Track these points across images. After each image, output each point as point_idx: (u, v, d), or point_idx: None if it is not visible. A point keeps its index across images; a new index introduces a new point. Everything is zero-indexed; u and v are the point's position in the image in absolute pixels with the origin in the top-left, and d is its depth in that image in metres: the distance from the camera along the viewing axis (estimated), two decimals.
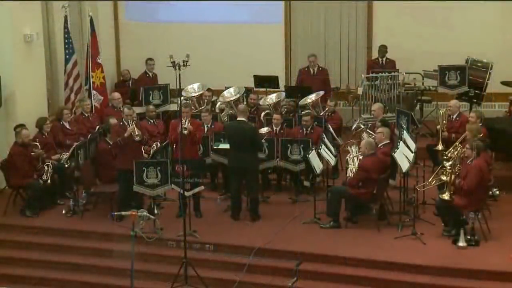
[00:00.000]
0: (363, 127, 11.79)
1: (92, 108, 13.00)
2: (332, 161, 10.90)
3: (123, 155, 10.78)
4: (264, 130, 11.71)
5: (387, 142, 10.65)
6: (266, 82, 14.13)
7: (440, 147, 11.16)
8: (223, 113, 12.87)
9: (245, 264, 9.73)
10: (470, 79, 12.98)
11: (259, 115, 12.79)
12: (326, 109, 12.68)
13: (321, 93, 13.03)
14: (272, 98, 13.16)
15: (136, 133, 10.75)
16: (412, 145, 10.51)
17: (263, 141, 11.31)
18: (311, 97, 12.83)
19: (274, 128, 11.92)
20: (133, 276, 8.42)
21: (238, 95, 13.04)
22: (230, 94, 13.09)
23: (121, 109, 11.98)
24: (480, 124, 11.05)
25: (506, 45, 14.29)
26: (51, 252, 10.54)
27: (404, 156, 10.15)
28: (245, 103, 12.99)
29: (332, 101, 12.76)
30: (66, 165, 11.49)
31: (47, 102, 12.92)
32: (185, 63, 9.37)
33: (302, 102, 12.95)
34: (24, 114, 11.86)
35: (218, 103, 13.20)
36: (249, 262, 9.75)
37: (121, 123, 10.96)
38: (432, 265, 9.30)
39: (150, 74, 14.79)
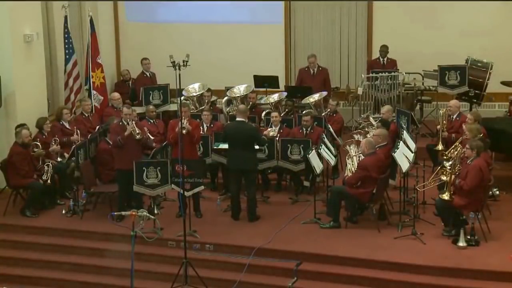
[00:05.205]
0: (372, 121, 11.77)
1: (92, 108, 13.00)
2: (332, 161, 10.89)
3: (122, 155, 10.76)
4: (270, 133, 11.69)
5: (383, 144, 10.64)
6: (266, 82, 14.13)
7: (440, 147, 11.15)
8: (229, 108, 12.84)
9: (245, 264, 9.73)
10: (470, 79, 12.98)
11: (257, 113, 12.79)
12: (328, 109, 12.66)
13: (325, 93, 13.04)
14: (274, 97, 13.18)
15: (137, 132, 10.75)
16: (412, 145, 10.52)
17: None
18: (315, 97, 12.84)
19: (273, 127, 11.92)
20: (133, 276, 8.43)
21: (246, 93, 13.06)
22: (239, 91, 13.10)
23: (121, 109, 11.97)
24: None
25: (506, 45, 14.30)
26: (51, 252, 10.54)
27: (404, 156, 10.14)
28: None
29: (335, 100, 12.76)
30: (66, 163, 11.48)
31: (47, 102, 12.91)
32: (185, 63, 9.37)
33: (305, 101, 12.96)
34: (24, 114, 11.85)
35: (225, 97, 13.14)
36: (249, 262, 9.74)
37: (120, 123, 10.95)
38: (432, 265, 9.29)
39: (148, 74, 14.76)
